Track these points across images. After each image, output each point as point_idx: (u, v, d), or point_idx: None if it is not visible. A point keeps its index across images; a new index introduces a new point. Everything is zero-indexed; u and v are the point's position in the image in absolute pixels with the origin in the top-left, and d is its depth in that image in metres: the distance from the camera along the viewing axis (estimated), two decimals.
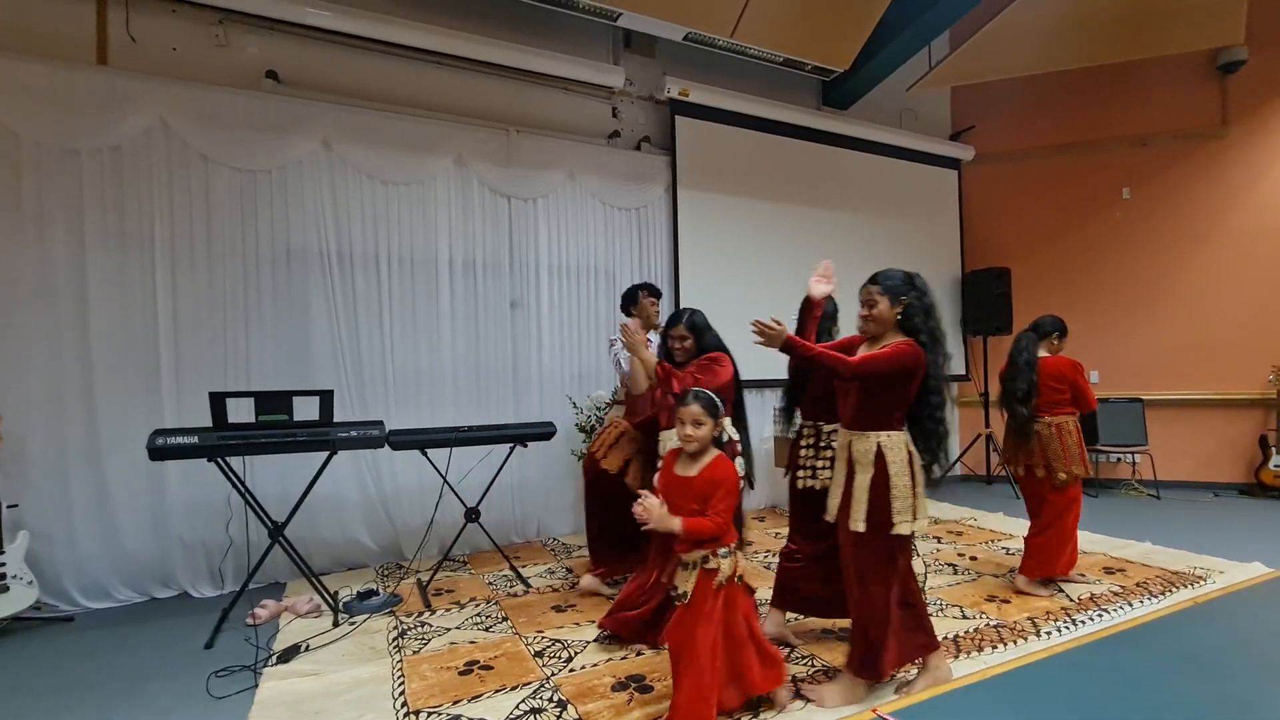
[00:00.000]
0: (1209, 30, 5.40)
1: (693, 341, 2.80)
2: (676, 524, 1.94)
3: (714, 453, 2.07)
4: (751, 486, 2.57)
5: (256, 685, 2.41)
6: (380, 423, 3.32)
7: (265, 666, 2.55)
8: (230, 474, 2.99)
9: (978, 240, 6.82)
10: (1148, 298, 6.06)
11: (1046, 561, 3.31)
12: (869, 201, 6.16)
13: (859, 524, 2.16)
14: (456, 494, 3.56)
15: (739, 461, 2.50)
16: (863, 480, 2.17)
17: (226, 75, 3.85)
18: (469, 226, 4.40)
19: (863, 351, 2.27)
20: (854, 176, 6.08)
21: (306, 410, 3.12)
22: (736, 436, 2.65)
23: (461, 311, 4.36)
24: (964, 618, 2.96)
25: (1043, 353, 3.41)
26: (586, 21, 4.66)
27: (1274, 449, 5.52)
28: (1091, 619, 2.90)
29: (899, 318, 2.24)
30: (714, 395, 2.10)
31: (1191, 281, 6.01)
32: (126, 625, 3.11)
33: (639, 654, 2.61)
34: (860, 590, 2.20)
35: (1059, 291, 6.34)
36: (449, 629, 2.94)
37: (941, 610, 3.05)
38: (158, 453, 2.79)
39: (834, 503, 2.29)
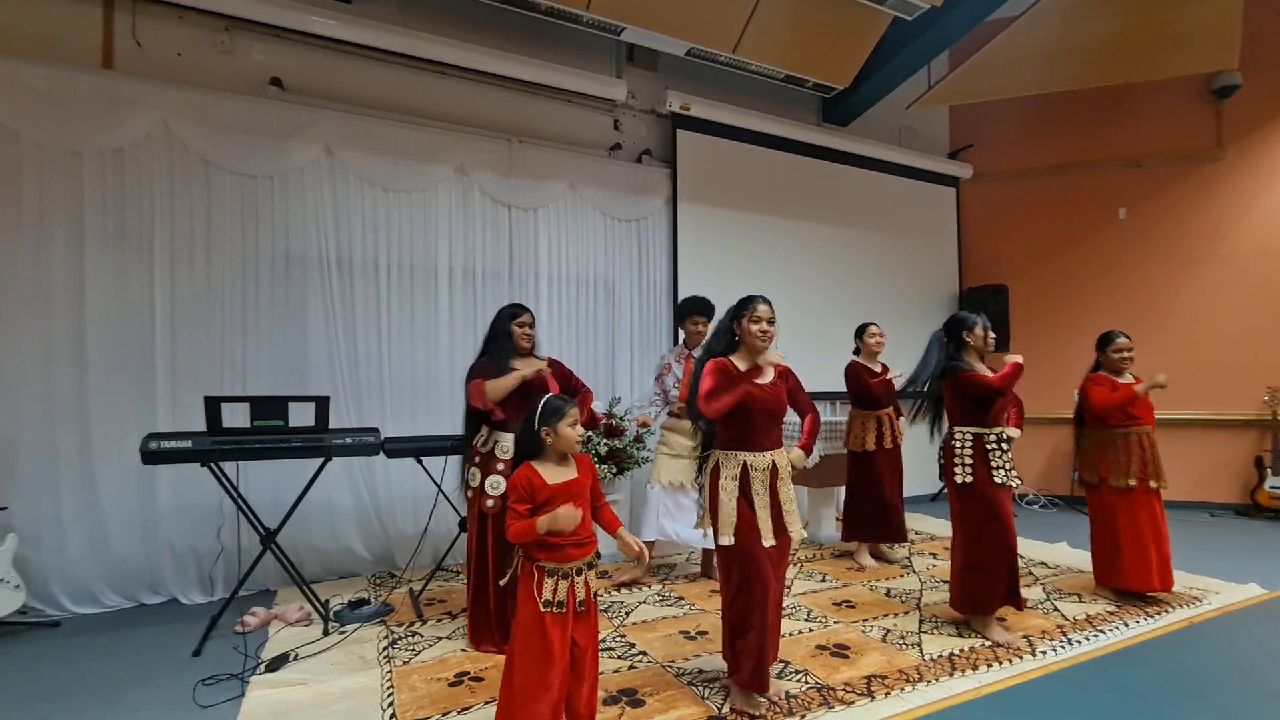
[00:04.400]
0: (1204, 55, 5.47)
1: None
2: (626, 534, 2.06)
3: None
4: None
5: (243, 694, 2.38)
6: (375, 430, 3.31)
7: (253, 675, 2.52)
8: (223, 479, 2.97)
9: (975, 258, 6.86)
10: (1143, 318, 6.08)
11: (1102, 571, 3.47)
12: (868, 218, 6.20)
13: (802, 531, 2.35)
14: (451, 503, 3.54)
15: None
16: (788, 492, 2.32)
17: (231, 81, 3.87)
18: (469, 235, 4.41)
19: (752, 372, 2.36)
20: (853, 193, 6.12)
21: (302, 416, 3.11)
22: None
23: (460, 320, 4.35)
24: (959, 635, 2.94)
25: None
26: (590, 35, 4.71)
27: (1269, 470, 5.53)
28: (1087, 639, 2.88)
29: None
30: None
31: (1187, 302, 6.04)
32: (114, 631, 3.08)
33: (631, 667, 2.58)
34: (780, 593, 2.34)
35: (1056, 310, 6.37)
36: (440, 639, 2.91)
37: (937, 628, 3.04)
38: (150, 457, 2.77)
39: (767, 526, 2.24)
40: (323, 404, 3.13)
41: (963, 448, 2.91)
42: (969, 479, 2.87)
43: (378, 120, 4.16)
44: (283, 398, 3.11)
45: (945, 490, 3.09)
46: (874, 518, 4.08)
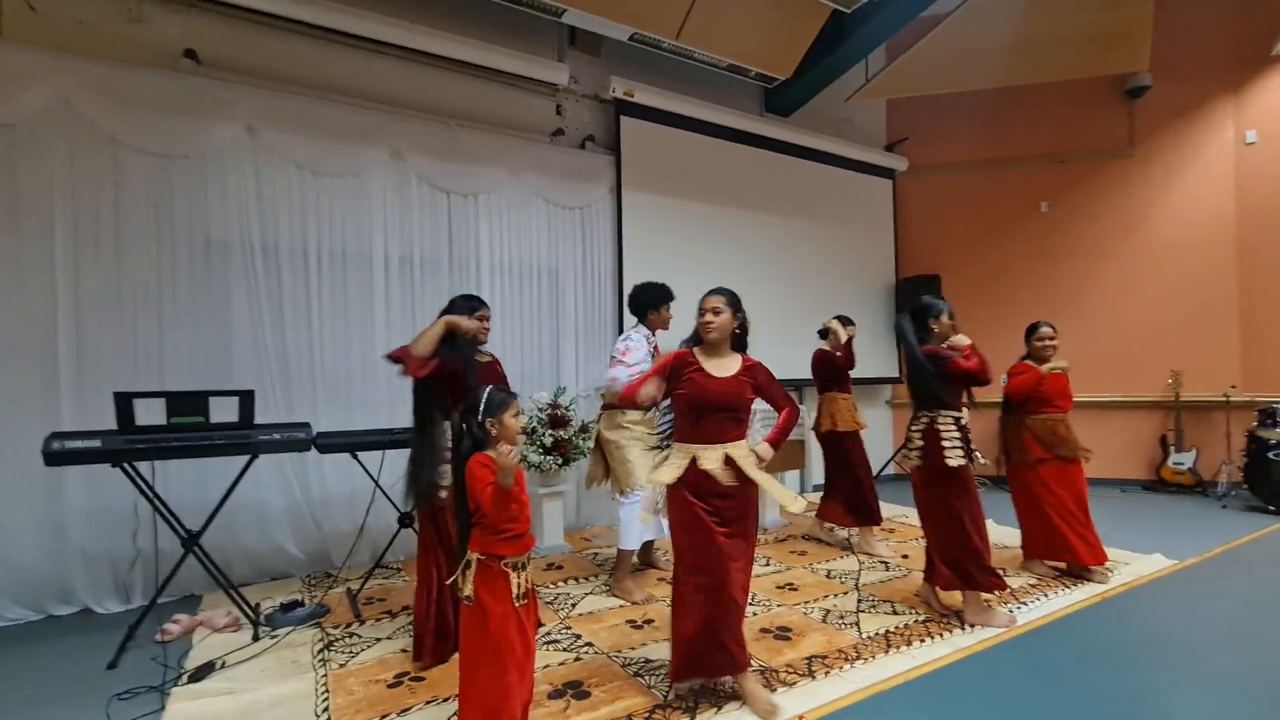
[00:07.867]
0: (1117, 57, 5.79)
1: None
2: None
3: None
4: None
5: (163, 708, 2.25)
6: (306, 425, 3.16)
7: (174, 686, 2.38)
8: (138, 480, 2.78)
9: (910, 248, 7.09)
10: (1063, 307, 6.42)
11: (1030, 545, 3.70)
12: (808, 207, 6.32)
13: (799, 502, 2.38)
14: (390, 498, 3.43)
15: None
16: (756, 474, 2.29)
17: (140, 53, 3.59)
18: (406, 222, 4.25)
19: (710, 366, 2.30)
20: (794, 182, 6.22)
21: (225, 412, 2.94)
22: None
23: (398, 310, 4.20)
24: (895, 613, 3.05)
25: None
26: (531, 16, 4.59)
27: (1172, 448, 5.96)
28: (1012, 611, 3.04)
29: (735, 331, 2.38)
30: None
31: (1102, 292, 6.42)
32: (18, 646, 2.85)
33: (577, 659, 2.57)
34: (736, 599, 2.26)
35: (985, 299, 6.65)
36: (379, 639, 2.82)
37: (874, 606, 3.14)
38: (54, 458, 2.57)
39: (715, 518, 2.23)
40: (247, 398, 2.96)
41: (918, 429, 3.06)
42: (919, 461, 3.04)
43: (306, 99, 3.95)
44: (203, 392, 2.92)
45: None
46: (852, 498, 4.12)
